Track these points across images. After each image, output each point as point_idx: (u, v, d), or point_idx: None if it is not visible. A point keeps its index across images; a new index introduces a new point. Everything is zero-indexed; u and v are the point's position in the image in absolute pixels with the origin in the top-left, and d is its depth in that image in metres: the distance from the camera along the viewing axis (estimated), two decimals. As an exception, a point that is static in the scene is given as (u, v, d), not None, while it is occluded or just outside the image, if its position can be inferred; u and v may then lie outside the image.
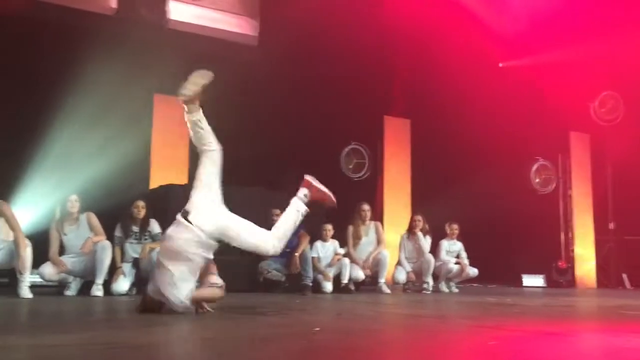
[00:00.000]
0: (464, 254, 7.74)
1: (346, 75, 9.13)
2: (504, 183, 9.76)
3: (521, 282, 9.68)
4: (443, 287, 7.54)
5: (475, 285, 8.88)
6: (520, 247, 9.82)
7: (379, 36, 9.31)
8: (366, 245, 7.22)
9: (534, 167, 10.39)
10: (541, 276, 9.80)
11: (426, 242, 7.46)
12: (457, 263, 7.65)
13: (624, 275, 9.74)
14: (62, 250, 5.94)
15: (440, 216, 8.11)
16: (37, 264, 5.67)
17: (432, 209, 8.37)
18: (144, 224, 6.16)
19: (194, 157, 8.15)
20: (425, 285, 7.30)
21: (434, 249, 7.63)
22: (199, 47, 8.73)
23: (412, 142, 9.98)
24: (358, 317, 4.12)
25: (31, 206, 6.72)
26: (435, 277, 7.61)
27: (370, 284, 7.56)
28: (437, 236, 7.88)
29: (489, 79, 10.26)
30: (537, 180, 10.41)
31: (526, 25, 9.93)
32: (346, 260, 6.93)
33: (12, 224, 5.44)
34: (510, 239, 9.91)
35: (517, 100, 9.83)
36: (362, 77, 9.17)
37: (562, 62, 9.83)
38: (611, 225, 10.01)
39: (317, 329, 3.30)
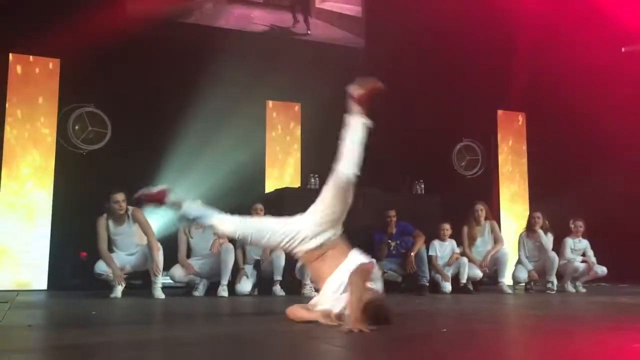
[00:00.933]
0: (590, 252, 7.32)
1: (456, 70, 8.93)
2: (631, 175, 9.12)
3: (655, 281, 8.97)
4: (569, 286, 7.17)
5: (603, 284, 8.36)
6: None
7: (490, 27, 9.02)
8: (482, 245, 7.02)
9: (665, 158, 9.62)
10: (678, 274, 9.04)
11: (548, 239, 7.12)
12: (583, 261, 7.25)
13: None
14: (189, 253, 6.27)
15: (562, 213, 7.72)
16: (167, 266, 6.03)
17: (552, 205, 7.98)
18: (263, 227, 6.37)
19: (307, 161, 8.43)
20: (549, 285, 6.98)
21: (558, 247, 7.27)
22: (307, 52, 8.90)
23: (527, 135, 9.56)
24: (482, 317, 4.01)
25: (161, 212, 7.14)
26: (560, 277, 7.25)
27: (488, 283, 7.34)
28: (561, 234, 7.51)
29: (611, 64, 9.65)
30: (669, 171, 9.62)
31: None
32: (464, 260, 6.78)
33: (145, 228, 5.84)
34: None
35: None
36: (473, 71, 8.92)
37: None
38: None
39: (445, 329, 3.25)
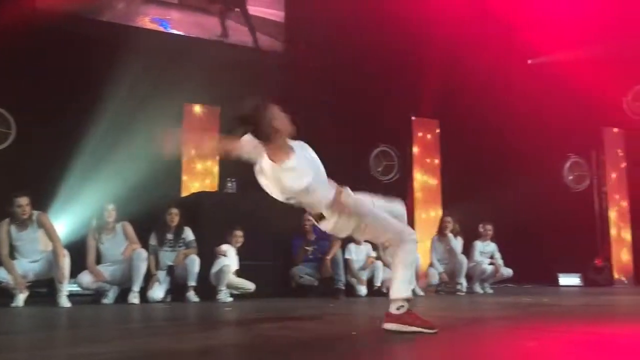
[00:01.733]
0: (497, 255, 7.66)
1: (373, 77, 9.12)
2: (537, 181, 9.61)
3: (557, 281, 9.51)
4: (477, 288, 7.47)
5: (510, 285, 8.76)
6: (556, 246, 9.66)
7: (406, 37, 9.27)
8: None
9: (567, 164, 10.23)
10: (578, 275, 9.62)
11: (457, 243, 7.39)
12: (491, 264, 7.56)
13: (664, 272, 9.51)
14: (98, 259, 6.04)
15: (472, 217, 8.04)
16: (74, 273, 5.78)
17: (464, 210, 8.30)
18: (178, 231, 6.25)
19: (223, 165, 8.33)
20: (458, 287, 7.24)
21: (467, 250, 7.56)
22: (224, 55, 8.82)
23: (441, 142, 9.90)
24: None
25: (68, 216, 6.86)
26: (469, 279, 7.54)
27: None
28: (471, 237, 7.81)
29: (518, 76, 10.14)
30: (571, 177, 10.24)
31: (555, 19, 9.79)
32: (379, 263, 6.91)
33: (50, 234, 5.57)
34: (545, 238, 9.76)
35: (548, 97, 9.69)
36: (389, 78, 9.15)
37: (593, 56, 9.66)
38: (648, 221, 9.78)
39: (354, 332, 3.30)
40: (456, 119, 9.67)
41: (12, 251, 5.54)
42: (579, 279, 9.60)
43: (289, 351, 2.65)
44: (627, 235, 10.08)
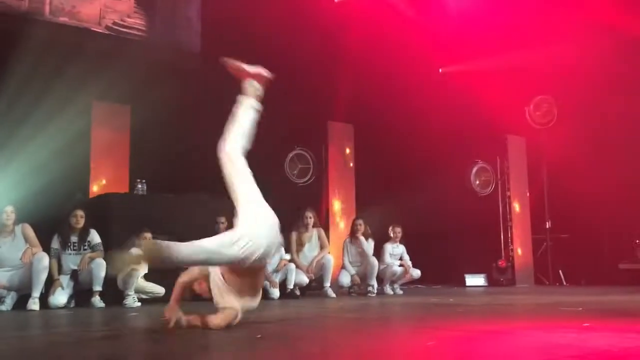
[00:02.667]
0: (406, 257, 7.87)
1: (289, 81, 9.12)
2: (445, 186, 9.99)
3: (464, 282, 9.90)
4: (388, 289, 7.64)
5: (420, 286, 9.04)
6: (463, 247, 10.07)
7: (322, 42, 9.39)
8: (309, 251, 7.25)
9: (474, 170, 10.69)
10: (482, 275, 10.06)
11: (369, 245, 7.55)
12: (400, 265, 7.77)
13: (561, 272, 10.10)
14: (-5, 263, 5.71)
15: (384, 220, 8.23)
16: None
17: (376, 212, 8.50)
18: (83, 234, 6.01)
19: (135, 166, 8.11)
20: (370, 288, 7.38)
21: (378, 252, 7.73)
22: (139, 53, 8.59)
23: (355, 147, 10.08)
24: (302, 322, 4.12)
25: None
26: (380, 280, 7.71)
27: (316, 288, 7.58)
28: (382, 240, 7.99)
29: (430, 84, 10.51)
30: (477, 182, 10.70)
31: (465, 30, 10.21)
32: (292, 266, 6.93)
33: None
34: (453, 240, 10.15)
35: (457, 105, 10.08)
36: (305, 82, 9.21)
37: (499, 67, 10.14)
38: (548, 224, 10.36)
39: (259, 335, 3.29)
40: (370, 124, 9.89)
41: None
42: (484, 279, 10.03)
43: (192, 356, 2.61)
44: (528, 237, 10.64)
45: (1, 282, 5.56)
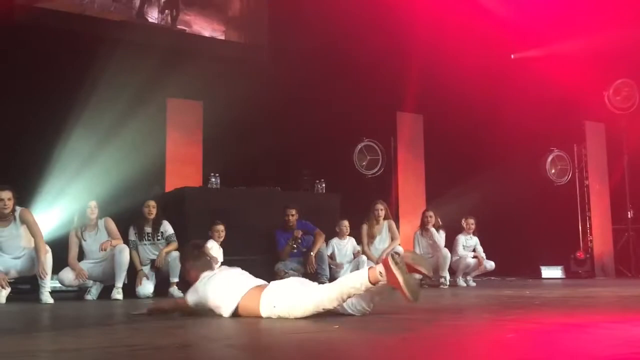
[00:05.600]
0: (480, 248, 7.73)
1: (358, 72, 9.15)
2: (519, 175, 9.72)
3: (540, 274, 9.62)
4: (460, 281, 7.53)
5: (493, 278, 8.86)
6: (538, 239, 9.78)
7: (390, 31, 9.31)
8: (380, 243, 7.24)
9: (550, 158, 10.34)
10: (560, 267, 9.74)
11: (440, 237, 7.45)
12: (474, 257, 7.63)
13: (644, 264, 9.66)
14: (81, 256, 6.02)
15: (456, 211, 8.12)
16: (57, 269, 5.75)
17: (447, 204, 8.38)
18: (157, 225, 6.23)
19: (208, 160, 8.33)
20: (442, 280, 7.29)
21: (450, 244, 7.62)
22: (209, 50, 8.80)
23: (425, 137, 9.94)
24: (376, 314, 4.12)
25: (51, 212, 6.81)
26: (453, 272, 7.61)
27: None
28: (455, 231, 7.88)
29: (502, 70, 10.23)
30: (553, 171, 10.35)
31: (538, 15, 9.87)
32: (363, 258, 6.95)
33: (33, 230, 5.51)
34: (528, 231, 9.88)
35: (531, 91, 9.78)
36: (373, 73, 9.17)
37: (576, 51, 9.76)
38: (630, 214, 9.91)
39: (337, 326, 3.32)
40: (440, 113, 9.73)
41: (-6, 248, 5.48)
42: (561, 271, 9.72)
43: (268, 345, 2.66)
44: (608, 227, 10.21)
45: (85, 273, 5.84)
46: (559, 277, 9.61)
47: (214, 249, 6.27)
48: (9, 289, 5.44)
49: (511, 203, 9.64)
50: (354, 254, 7.08)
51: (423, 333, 2.99)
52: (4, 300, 5.33)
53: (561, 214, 10.09)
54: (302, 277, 6.68)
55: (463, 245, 7.69)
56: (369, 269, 3.39)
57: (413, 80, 9.24)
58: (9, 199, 5.41)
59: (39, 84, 7.20)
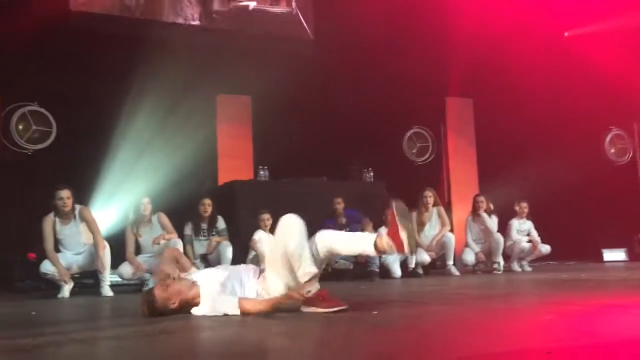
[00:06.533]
0: (534, 232, 7.56)
1: (404, 59, 9.05)
2: (576, 156, 9.42)
3: (602, 257, 9.30)
4: (515, 266, 7.40)
5: (552, 262, 8.64)
6: (599, 220, 9.46)
7: (436, 15, 9.18)
8: (429, 230, 7.18)
9: (608, 137, 9.98)
10: (623, 250, 9.39)
11: (493, 222, 7.33)
12: (528, 241, 7.48)
13: None
14: (138, 250, 6.25)
15: (509, 195, 7.96)
16: (116, 264, 6.01)
17: (500, 188, 8.22)
18: (212, 221, 6.42)
19: (258, 154, 8.47)
20: (495, 266, 7.18)
21: (504, 229, 7.49)
22: (256, 45, 8.92)
23: (475, 121, 9.75)
24: (419, 300, 4.13)
25: (108, 209, 7.11)
26: (507, 257, 7.48)
27: (440, 267, 7.52)
28: (508, 216, 7.73)
29: (554, 49, 9.92)
30: (612, 150, 9.99)
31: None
32: (413, 245, 6.90)
33: (92, 227, 5.79)
34: (588, 213, 9.57)
35: (585, 71, 9.44)
36: (420, 59, 9.05)
37: (633, 26, 9.34)
38: (697, 192, 9.46)
39: (375, 312, 3.35)
40: (490, 96, 9.52)
41: (57, 244, 5.78)
42: (624, 253, 9.37)
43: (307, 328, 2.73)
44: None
45: (142, 267, 6.08)
46: (622, 259, 9.27)
47: (263, 239, 6.39)
48: (72, 284, 5.74)
49: (569, 185, 9.34)
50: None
51: (457, 318, 2.98)
52: (67, 294, 5.62)
53: (622, 195, 9.71)
54: (353, 266, 6.75)
55: (517, 230, 7.54)
56: (377, 237, 3.30)
57: (461, 64, 9.08)
58: (68, 198, 5.69)
59: (93, 86, 7.49)
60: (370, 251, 3.34)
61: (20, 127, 7.37)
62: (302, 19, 9.48)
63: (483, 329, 2.54)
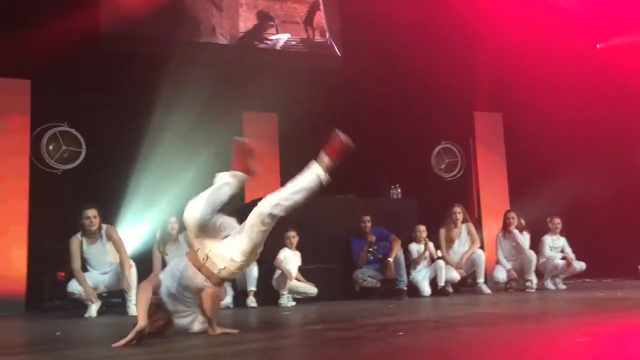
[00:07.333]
0: (568, 249, 7.33)
1: (431, 75, 8.97)
2: (610, 170, 9.17)
3: (638, 274, 8.98)
4: (549, 284, 7.18)
5: (587, 280, 8.37)
6: (636, 236, 9.14)
7: (463, 28, 9.09)
8: (459, 247, 7.02)
9: (644, 151, 9.68)
10: (661, 267, 9.04)
11: (524, 238, 7.14)
12: (562, 258, 7.26)
13: None
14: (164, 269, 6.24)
15: (543, 210, 7.76)
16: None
17: (532, 204, 8.03)
18: (235, 239, 6.36)
19: (285, 172, 8.44)
20: (528, 284, 6.97)
21: (536, 246, 7.29)
22: (282, 62, 8.94)
23: (505, 135, 9.55)
24: (447, 320, 4.00)
25: (134, 229, 7.14)
26: (540, 275, 7.27)
27: (471, 285, 7.35)
28: (541, 232, 7.53)
29: (586, 61, 9.72)
30: (649, 164, 9.68)
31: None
32: (441, 263, 6.77)
33: (118, 246, 5.81)
34: (625, 229, 9.26)
35: (619, 83, 9.21)
36: (448, 74, 8.95)
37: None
38: None
39: (401, 333, 3.25)
40: (520, 110, 9.35)
41: (84, 264, 5.80)
42: (663, 271, 9.02)
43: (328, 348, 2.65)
44: None
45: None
46: (661, 277, 8.92)
47: (290, 257, 6.33)
48: (99, 303, 5.75)
49: (603, 199, 9.08)
50: (431, 258, 6.91)
51: (488, 336, 2.87)
52: (94, 314, 5.63)
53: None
54: (380, 284, 6.63)
55: (550, 246, 7.33)
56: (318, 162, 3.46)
57: (489, 77, 8.95)
58: (94, 217, 5.72)
59: (120, 105, 7.60)
60: (320, 172, 3.46)
61: (51, 147, 7.48)
62: (333, 42, 9.50)
63: (512, 351, 2.42)
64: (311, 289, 6.44)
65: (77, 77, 7.37)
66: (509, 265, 7.15)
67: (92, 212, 5.72)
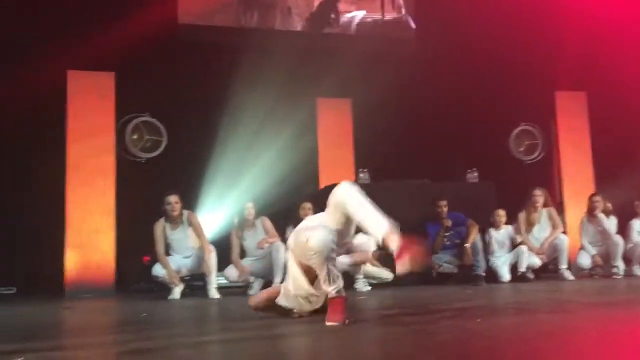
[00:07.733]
0: (658, 234, 6.96)
1: (510, 53, 8.66)
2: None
3: None
4: (637, 270, 6.84)
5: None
6: None
7: (544, 6, 8.71)
8: (539, 232, 6.79)
9: None
10: None
11: (611, 223, 6.83)
12: (652, 243, 6.90)
13: None
14: (243, 254, 6.42)
15: (630, 193, 7.40)
16: (222, 267, 6.21)
17: (619, 186, 7.65)
18: (313, 224, 6.44)
19: (359, 156, 8.45)
20: (615, 270, 6.67)
21: (623, 230, 6.95)
22: (356, 47, 8.90)
23: (590, 115, 9.11)
24: (526, 307, 3.90)
25: (214, 215, 7.37)
26: (628, 261, 6.93)
27: (552, 271, 7.11)
28: (628, 216, 7.18)
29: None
30: None
31: None
32: (522, 248, 6.58)
33: (198, 232, 6.03)
34: None
35: None
36: (527, 53, 8.62)
37: None
38: None
39: (479, 320, 3.20)
40: (605, 88, 8.86)
41: (167, 248, 6.06)
42: None
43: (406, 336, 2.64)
44: None
45: (246, 270, 6.23)
46: None
47: (363, 241, 6.32)
48: (182, 286, 5.99)
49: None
50: (513, 243, 6.74)
51: (568, 325, 2.77)
52: (178, 296, 5.87)
53: None
54: (457, 269, 6.53)
55: (637, 231, 6.98)
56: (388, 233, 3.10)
57: (572, 55, 8.52)
58: (176, 202, 5.95)
59: (198, 94, 7.83)
60: (381, 237, 3.13)
61: (135, 137, 7.80)
62: (410, 21, 9.36)
63: (595, 340, 2.33)
64: (386, 274, 6.42)
65: (157, 68, 7.63)
66: (593, 251, 6.87)
67: (173, 198, 5.95)
